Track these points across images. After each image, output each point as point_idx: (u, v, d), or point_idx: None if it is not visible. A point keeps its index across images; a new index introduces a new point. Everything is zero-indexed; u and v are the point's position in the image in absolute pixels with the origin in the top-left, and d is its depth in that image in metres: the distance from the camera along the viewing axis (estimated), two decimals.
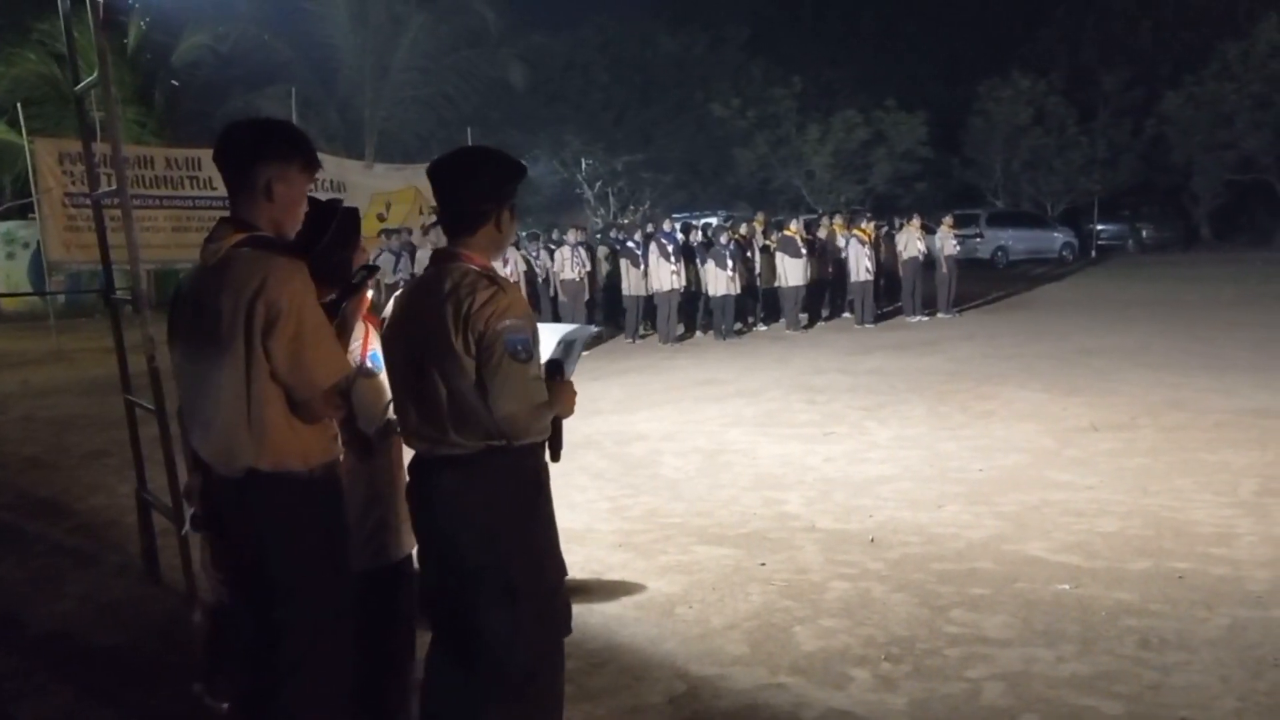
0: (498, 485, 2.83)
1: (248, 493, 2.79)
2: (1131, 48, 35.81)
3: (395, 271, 14.87)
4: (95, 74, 4.81)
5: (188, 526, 4.28)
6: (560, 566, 3.03)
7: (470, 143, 16.39)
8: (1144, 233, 36.44)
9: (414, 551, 3.18)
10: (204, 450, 2.84)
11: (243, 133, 2.92)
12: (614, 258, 17.57)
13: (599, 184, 32.43)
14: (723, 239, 16.87)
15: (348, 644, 2.93)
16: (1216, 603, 4.72)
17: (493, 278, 2.86)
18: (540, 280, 16.51)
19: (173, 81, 25.00)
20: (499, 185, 2.97)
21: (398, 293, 3.11)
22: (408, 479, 3.00)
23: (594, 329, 4.32)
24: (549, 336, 3.31)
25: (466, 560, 2.83)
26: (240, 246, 2.79)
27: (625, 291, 16.87)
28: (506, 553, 2.83)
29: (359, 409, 3.13)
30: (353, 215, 3.12)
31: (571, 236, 16.72)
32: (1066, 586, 5.00)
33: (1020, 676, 4.07)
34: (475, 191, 2.94)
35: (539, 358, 2.89)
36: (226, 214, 2.92)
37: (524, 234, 17.96)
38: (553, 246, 17.20)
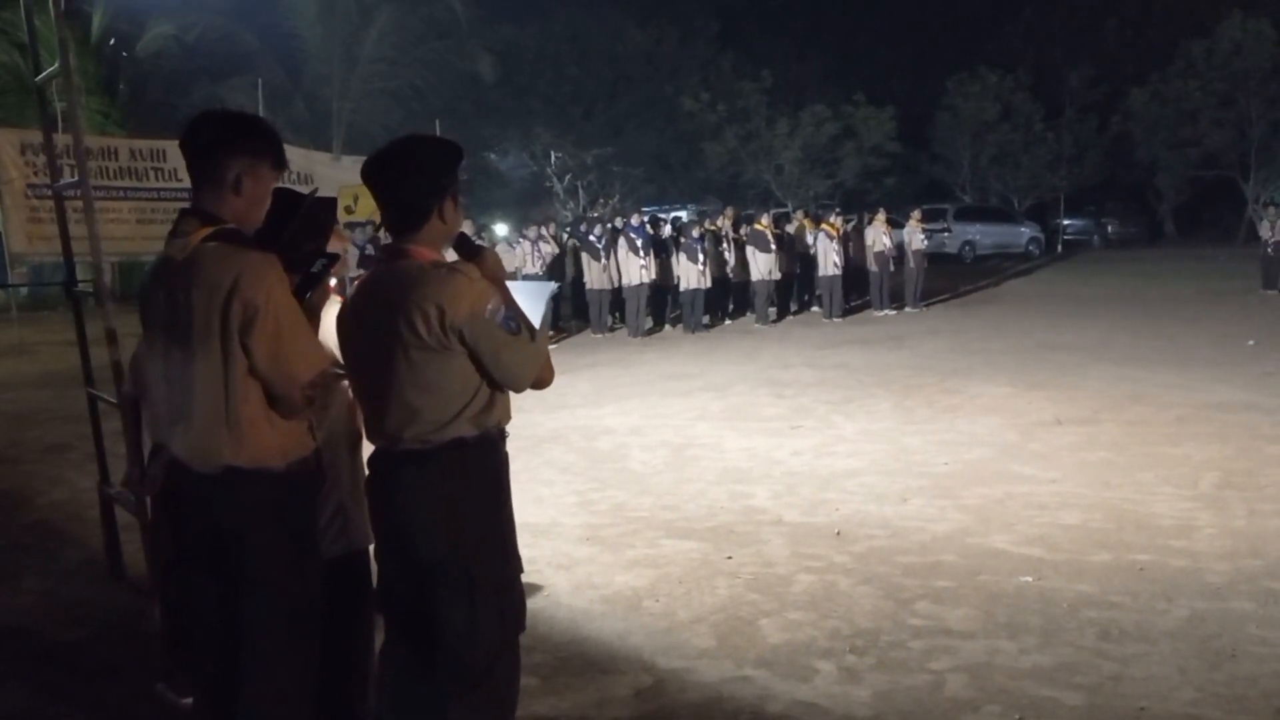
0: (459, 480, 2.82)
1: (224, 490, 2.75)
2: (1097, 45, 36.15)
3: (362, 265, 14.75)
4: (57, 64, 4.76)
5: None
6: (517, 561, 3.03)
7: (439, 135, 16.30)
8: (1109, 228, 36.88)
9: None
10: (179, 448, 2.80)
11: (216, 124, 2.88)
12: (577, 252, 17.52)
13: (568, 177, 32.35)
14: (694, 232, 16.89)
15: (315, 638, 2.92)
16: (1176, 595, 4.78)
17: (453, 267, 2.81)
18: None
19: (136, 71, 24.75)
20: (437, 176, 2.87)
21: (351, 291, 3.08)
22: (367, 473, 2.98)
23: (554, 285, 4.38)
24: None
25: (426, 554, 2.81)
26: (209, 240, 2.76)
27: (587, 286, 16.86)
28: (467, 547, 2.82)
29: None
30: (325, 205, 3.08)
31: (532, 232, 16.68)
32: (1029, 579, 5.05)
33: (983, 668, 4.10)
34: (413, 187, 2.84)
35: (525, 316, 2.90)
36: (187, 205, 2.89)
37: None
38: (519, 240, 17.18)
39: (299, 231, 2.89)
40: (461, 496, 2.82)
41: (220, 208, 2.82)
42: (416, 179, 2.85)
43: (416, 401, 2.78)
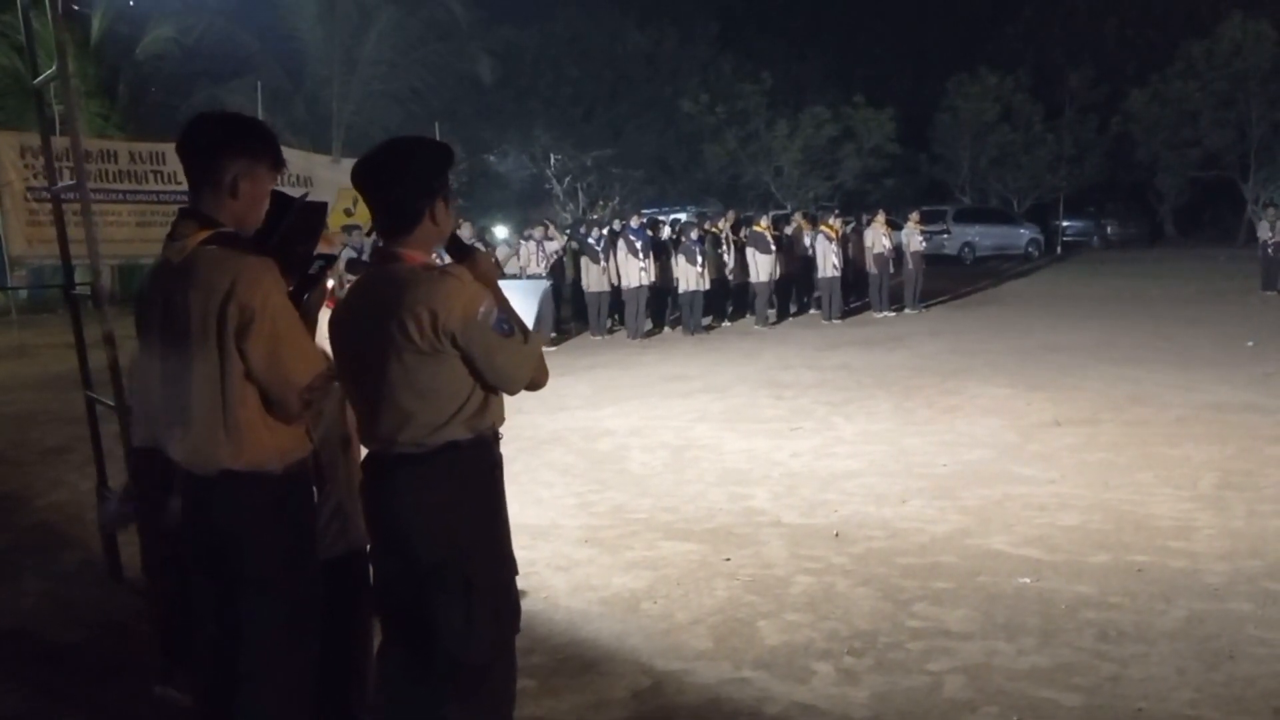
0: (453, 483, 2.82)
1: (222, 492, 2.76)
2: (1096, 45, 36.17)
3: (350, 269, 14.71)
4: (54, 67, 4.75)
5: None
6: (512, 563, 3.03)
7: (439, 137, 16.33)
8: (1109, 229, 36.88)
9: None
10: (176, 451, 2.80)
11: (212, 127, 2.88)
12: (577, 254, 17.52)
13: (568, 179, 32.38)
14: (692, 234, 16.90)
15: (314, 639, 2.93)
16: (1175, 595, 4.78)
17: (444, 269, 2.81)
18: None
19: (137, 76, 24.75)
20: (427, 179, 2.85)
21: (343, 295, 3.07)
22: (361, 476, 2.98)
23: (546, 283, 4.40)
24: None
25: (422, 556, 2.81)
26: (206, 244, 2.76)
27: (586, 288, 16.86)
28: (462, 548, 2.82)
29: None
30: (315, 209, 3.08)
31: (538, 232, 16.69)
32: (1028, 580, 5.05)
33: (981, 669, 4.10)
34: (403, 191, 2.83)
35: (518, 318, 2.90)
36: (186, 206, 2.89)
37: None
38: (521, 241, 17.23)
39: (289, 235, 2.89)
40: (456, 499, 2.82)
41: (218, 210, 2.82)
42: (406, 182, 2.84)
43: (410, 405, 2.78)
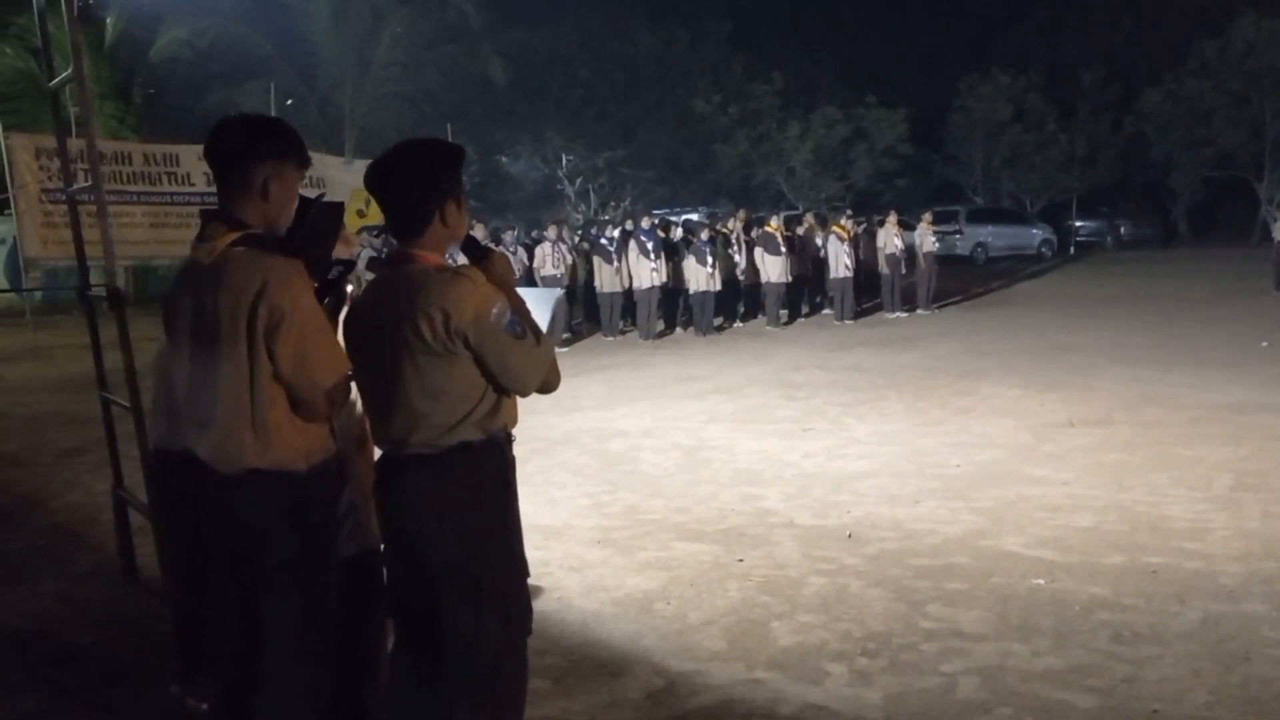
0: (465, 484, 2.82)
1: (247, 491, 2.77)
2: (1110, 45, 36.07)
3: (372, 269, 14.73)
4: (70, 69, 4.77)
5: None
6: (523, 566, 3.03)
7: (451, 138, 16.37)
8: (1122, 229, 36.71)
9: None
10: (201, 449, 2.81)
11: (238, 131, 2.90)
12: (589, 255, 17.55)
13: (580, 180, 32.41)
14: (703, 235, 16.90)
15: (332, 638, 2.94)
16: (1189, 597, 4.76)
17: (457, 271, 2.81)
18: (520, 275, 16.50)
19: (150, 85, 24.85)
20: (437, 180, 2.85)
21: (357, 297, 3.08)
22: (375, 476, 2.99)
23: (560, 292, 4.40)
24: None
25: (432, 558, 2.81)
26: (235, 245, 2.79)
27: (599, 289, 16.87)
28: (472, 550, 2.82)
29: None
30: (331, 211, 3.09)
31: (552, 232, 16.73)
32: (1042, 581, 5.04)
33: (995, 671, 4.09)
34: (414, 192, 2.84)
35: (530, 319, 2.90)
36: (207, 209, 2.92)
37: (508, 231, 17.88)
38: (530, 242, 17.25)
39: (305, 237, 2.90)
40: (467, 500, 2.82)
41: (249, 212, 2.85)
42: (416, 183, 2.84)
43: (422, 406, 2.78)
